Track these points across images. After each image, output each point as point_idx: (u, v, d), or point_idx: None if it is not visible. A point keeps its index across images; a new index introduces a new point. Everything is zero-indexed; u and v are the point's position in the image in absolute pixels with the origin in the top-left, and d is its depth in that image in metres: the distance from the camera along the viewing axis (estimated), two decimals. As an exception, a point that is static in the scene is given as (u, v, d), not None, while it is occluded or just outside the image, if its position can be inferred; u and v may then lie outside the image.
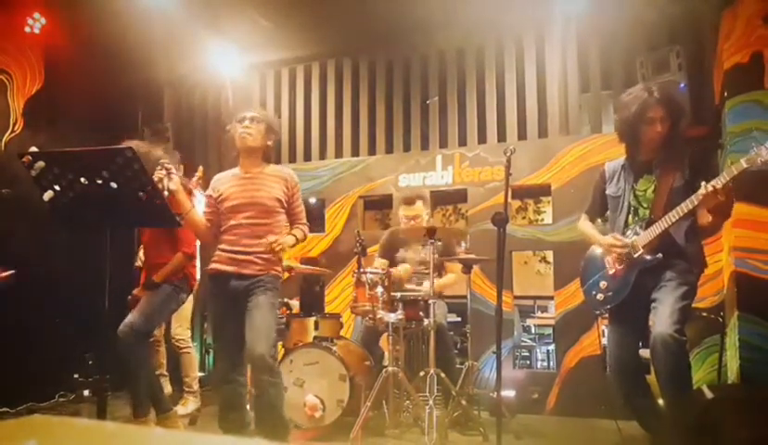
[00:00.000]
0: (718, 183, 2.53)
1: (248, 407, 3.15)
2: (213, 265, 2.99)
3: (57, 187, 2.17)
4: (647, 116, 2.80)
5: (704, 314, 4.11)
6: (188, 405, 4.32)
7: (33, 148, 2.53)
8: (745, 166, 2.49)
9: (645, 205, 2.89)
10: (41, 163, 2.14)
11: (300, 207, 3.09)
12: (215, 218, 3.04)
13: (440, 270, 4.25)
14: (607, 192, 3.05)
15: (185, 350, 4.42)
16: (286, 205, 3.03)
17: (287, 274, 3.60)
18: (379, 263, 4.24)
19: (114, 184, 2.13)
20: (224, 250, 2.97)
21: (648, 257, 2.79)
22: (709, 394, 2.76)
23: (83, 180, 2.16)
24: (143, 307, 3.26)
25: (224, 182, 3.05)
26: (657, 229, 2.77)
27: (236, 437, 2.81)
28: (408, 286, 4.09)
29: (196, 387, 4.42)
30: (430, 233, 3.51)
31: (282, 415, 2.93)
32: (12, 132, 4.65)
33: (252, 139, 2.98)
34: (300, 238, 3.04)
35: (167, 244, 3.45)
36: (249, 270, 2.91)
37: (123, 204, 2.21)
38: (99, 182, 2.13)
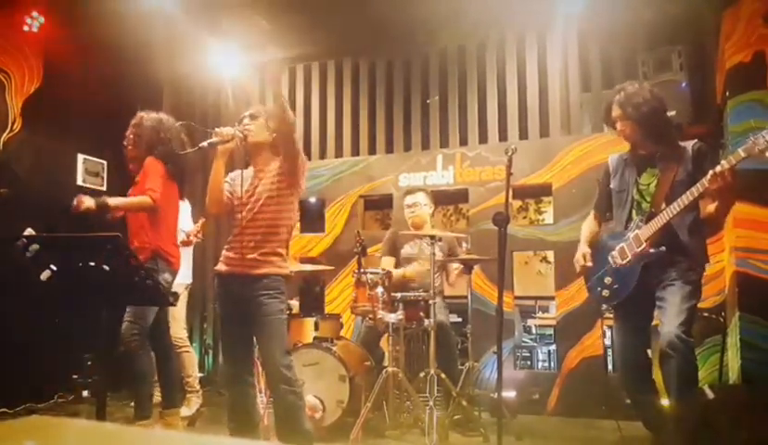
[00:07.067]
0: (717, 169, 2.52)
1: (257, 408, 3.07)
2: (219, 266, 2.92)
3: (53, 267, 2.19)
4: (611, 115, 2.93)
5: (705, 314, 4.10)
6: (192, 405, 4.30)
7: (29, 231, 2.55)
8: (743, 155, 2.48)
9: (648, 199, 2.85)
10: (35, 246, 2.16)
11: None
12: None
13: (443, 270, 4.25)
14: (611, 186, 3.01)
15: (183, 350, 4.40)
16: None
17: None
18: (387, 261, 4.22)
19: (107, 268, 2.13)
20: (229, 250, 2.90)
21: (652, 250, 2.76)
22: (710, 394, 2.75)
23: (77, 262, 2.18)
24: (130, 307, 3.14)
25: (236, 179, 2.91)
26: (659, 221, 2.72)
27: (236, 438, 2.80)
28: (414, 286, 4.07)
29: (197, 386, 4.40)
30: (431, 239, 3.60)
31: (303, 423, 2.77)
32: (11, 131, 4.62)
33: (253, 135, 2.87)
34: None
35: (149, 227, 3.26)
36: (253, 271, 2.82)
37: (118, 286, 2.23)
38: (92, 264, 2.13)
